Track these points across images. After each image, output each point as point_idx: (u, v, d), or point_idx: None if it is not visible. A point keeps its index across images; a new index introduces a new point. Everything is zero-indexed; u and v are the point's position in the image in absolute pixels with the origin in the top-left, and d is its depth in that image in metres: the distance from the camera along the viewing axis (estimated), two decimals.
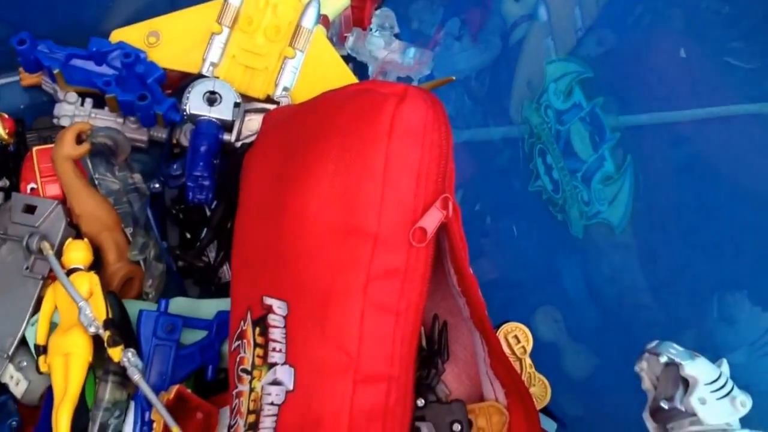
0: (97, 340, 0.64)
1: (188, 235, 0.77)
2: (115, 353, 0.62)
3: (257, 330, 0.58)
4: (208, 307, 0.71)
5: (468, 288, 0.60)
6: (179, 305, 0.71)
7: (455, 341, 0.65)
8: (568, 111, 0.69)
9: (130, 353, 0.62)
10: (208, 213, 0.76)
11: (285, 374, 0.55)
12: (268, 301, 0.57)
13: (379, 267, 0.54)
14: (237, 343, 0.61)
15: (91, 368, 0.64)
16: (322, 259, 0.55)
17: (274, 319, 0.57)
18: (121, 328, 0.64)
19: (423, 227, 0.55)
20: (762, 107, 0.58)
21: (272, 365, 0.56)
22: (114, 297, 0.66)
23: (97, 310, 0.64)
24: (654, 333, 0.57)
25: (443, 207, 0.56)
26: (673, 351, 0.52)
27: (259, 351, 0.58)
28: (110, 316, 0.63)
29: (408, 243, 0.55)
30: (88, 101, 0.78)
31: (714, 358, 0.53)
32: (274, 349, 0.56)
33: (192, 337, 0.69)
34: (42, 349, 0.66)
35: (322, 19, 0.81)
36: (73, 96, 0.78)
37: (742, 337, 0.57)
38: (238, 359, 0.60)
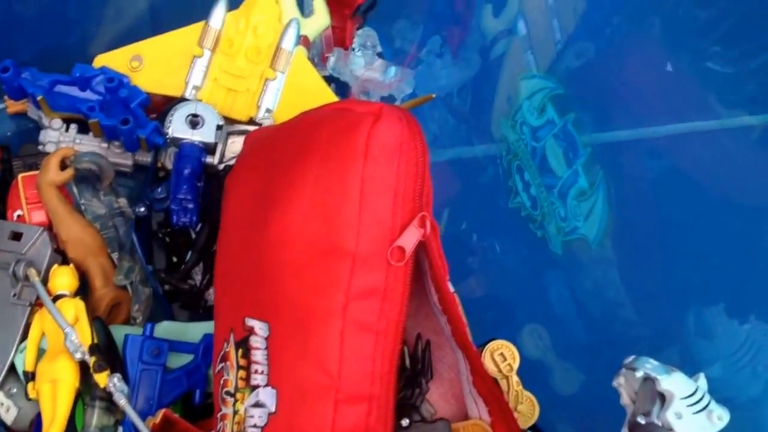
0: (84, 365, 0.64)
1: (174, 259, 0.77)
2: (101, 378, 0.63)
3: (240, 352, 0.58)
4: (195, 331, 0.71)
5: (448, 306, 0.60)
6: (166, 329, 0.71)
7: (439, 360, 0.66)
8: (542, 127, 0.70)
9: (116, 378, 0.63)
10: (194, 236, 0.77)
11: (267, 396, 0.56)
12: (250, 322, 0.58)
13: (358, 286, 0.55)
14: (221, 366, 0.61)
15: (79, 394, 0.65)
16: (302, 279, 0.56)
17: (256, 341, 0.57)
18: (108, 354, 0.64)
19: (401, 246, 0.55)
20: (734, 121, 0.58)
21: (255, 387, 0.56)
22: (100, 322, 0.66)
23: (83, 335, 0.64)
24: (638, 347, 0.57)
25: (421, 225, 0.56)
26: (649, 366, 0.52)
27: (242, 373, 0.58)
28: (96, 341, 0.64)
29: (386, 262, 0.55)
30: (73, 127, 0.79)
31: (692, 372, 0.53)
32: (256, 371, 0.57)
33: (179, 361, 0.69)
34: (30, 376, 0.66)
35: (303, 40, 0.82)
36: (57, 122, 0.78)
37: (720, 351, 0.57)
38: (222, 382, 0.60)
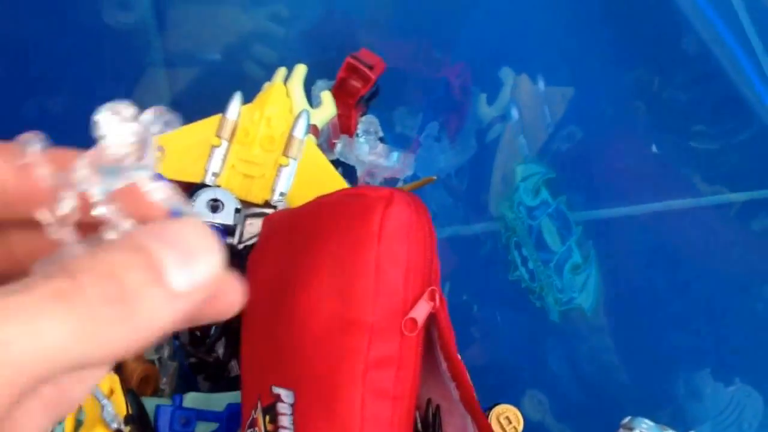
0: None
1: (198, 333, 0.82)
2: None
3: (267, 417, 0.63)
4: (218, 401, 0.76)
5: (457, 373, 0.65)
6: (192, 400, 0.76)
7: (448, 424, 0.70)
8: (537, 207, 0.76)
9: None
10: None
11: None
12: (276, 390, 0.62)
13: (375, 356, 0.60)
14: (250, 431, 0.65)
15: None
16: (323, 350, 0.61)
17: (283, 407, 0.62)
18: (141, 423, 0.69)
19: (413, 318, 0.61)
20: (716, 198, 0.64)
21: None
22: (133, 395, 0.71)
23: (118, 407, 0.69)
24: (632, 409, 0.62)
25: (431, 299, 0.62)
26: (645, 426, 0.57)
27: None
28: (130, 412, 0.69)
29: (400, 332, 0.61)
30: None
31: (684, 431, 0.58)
32: None
33: (205, 429, 0.74)
34: None
35: (312, 129, 0.88)
36: None
37: (708, 411, 0.62)
38: None
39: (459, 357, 0.65)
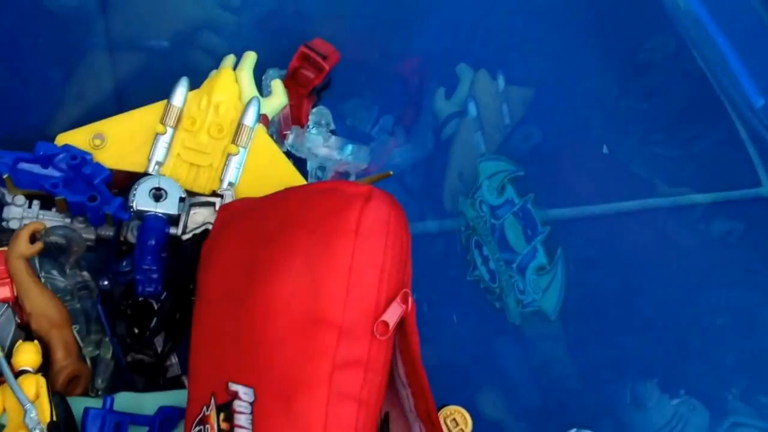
0: None
1: (136, 330, 0.78)
2: None
3: (222, 415, 0.60)
4: (151, 401, 0.72)
5: (418, 380, 0.63)
6: (124, 399, 0.72)
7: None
8: (501, 206, 0.74)
9: None
10: (156, 307, 0.78)
11: None
12: (234, 387, 0.59)
13: (343, 357, 0.58)
14: (198, 429, 0.62)
15: None
16: (289, 347, 0.58)
17: (240, 405, 0.59)
18: (66, 430, 0.65)
19: (385, 321, 0.59)
20: (680, 199, 0.63)
21: None
22: (60, 398, 0.67)
23: (42, 412, 0.65)
24: (579, 416, 0.61)
25: (403, 302, 0.60)
26: None
27: None
28: (54, 419, 0.64)
29: (370, 334, 0.58)
30: (36, 203, 0.80)
31: None
32: None
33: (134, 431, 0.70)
34: None
35: (262, 119, 0.84)
36: (20, 199, 0.79)
37: (652, 423, 0.61)
38: None
39: (422, 365, 0.63)
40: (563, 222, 0.69)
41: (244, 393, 0.59)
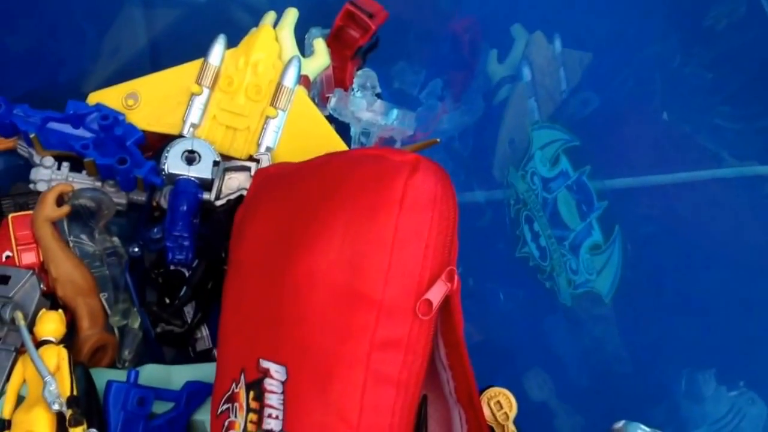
0: (61, 417, 0.61)
1: (167, 300, 0.75)
2: None
3: (251, 394, 0.57)
4: (179, 375, 0.69)
5: (460, 363, 0.59)
6: (150, 372, 0.69)
7: (430, 416, 0.64)
8: (554, 179, 0.69)
9: None
10: (188, 274, 0.75)
11: None
12: (266, 364, 0.56)
13: (382, 336, 0.54)
14: (226, 407, 0.59)
15: None
16: (325, 325, 0.55)
17: (272, 384, 0.56)
18: (87, 404, 0.62)
19: (429, 299, 0.55)
20: (742, 171, 0.57)
21: None
22: (82, 369, 0.64)
23: (63, 386, 0.61)
24: (631, 403, 0.58)
25: (449, 280, 0.56)
26: None
27: (252, 416, 0.56)
28: (75, 393, 0.61)
29: (412, 314, 0.55)
30: (65, 165, 0.77)
31: None
32: (270, 416, 0.55)
33: (161, 408, 0.66)
34: (6, 424, 0.63)
35: (303, 80, 0.80)
36: (49, 160, 0.76)
37: (707, 415, 0.57)
38: (226, 423, 0.58)
39: (465, 347, 0.59)
40: (621, 195, 0.63)
41: (276, 371, 0.56)
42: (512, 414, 0.66)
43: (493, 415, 0.66)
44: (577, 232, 0.66)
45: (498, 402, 0.66)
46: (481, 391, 0.66)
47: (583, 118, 0.70)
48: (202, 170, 0.74)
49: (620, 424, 0.54)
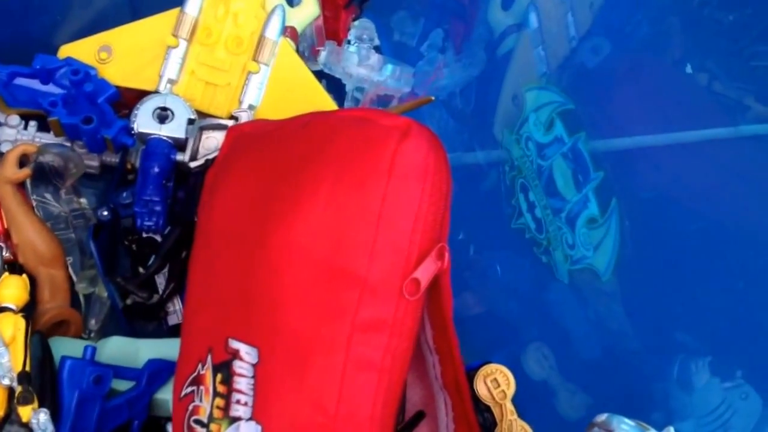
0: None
1: (141, 269, 0.70)
2: (25, 412, 0.55)
3: (219, 377, 0.53)
4: (148, 349, 0.65)
5: (448, 346, 0.55)
6: (115, 345, 0.64)
7: (408, 400, 0.61)
8: (549, 145, 0.62)
9: (42, 414, 0.55)
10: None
11: (250, 431, 0.50)
12: (235, 344, 0.52)
13: (365, 317, 0.50)
14: (190, 389, 0.55)
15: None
16: (303, 303, 0.50)
17: (241, 367, 0.52)
18: (40, 380, 0.57)
19: (417, 278, 0.50)
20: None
21: (235, 419, 0.51)
22: (39, 339, 0.59)
23: (16, 358, 0.57)
24: (626, 386, 0.54)
25: (439, 258, 0.51)
26: (625, 427, 0.49)
27: (219, 401, 0.52)
28: (27, 368, 0.57)
29: (398, 293, 0.50)
30: (32, 124, 0.71)
31: (663, 424, 0.49)
32: (238, 401, 0.51)
33: (121, 386, 0.62)
34: None
35: (290, 32, 0.74)
36: (15, 119, 0.71)
37: (696, 408, 0.52)
38: (190, 408, 0.54)
39: (454, 330, 0.55)
40: (619, 163, 0.57)
41: (247, 353, 0.52)
42: (510, 392, 0.62)
43: (490, 393, 0.62)
44: (573, 203, 0.60)
45: (495, 379, 0.62)
46: (478, 367, 0.62)
47: (593, 67, 0.63)
48: (174, 129, 0.69)
49: (603, 417, 0.49)
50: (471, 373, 0.61)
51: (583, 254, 0.59)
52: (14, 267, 0.66)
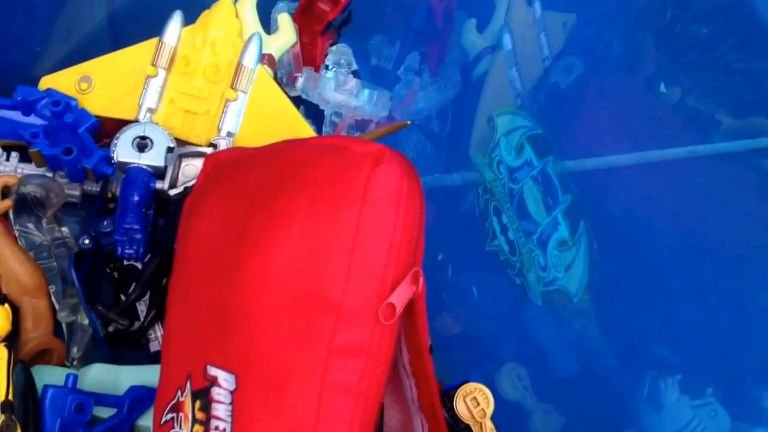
0: None
1: (122, 297, 0.70)
2: None
3: (198, 404, 0.53)
4: (130, 376, 0.65)
5: (423, 371, 0.56)
6: (97, 373, 0.65)
7: (386, 423, 0.61)
8: (519, 168, 0.64)
9: None
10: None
11: None
12: (213, 371, 0.52)
13: (341, 343, 0.50)
14: (170, 416, 0.55)
15: None
16: (280, 329, 0.51)
17: (219, 394, 0.52)
18: (24, 409, 0.58)
19: (392, 303, 0.51)
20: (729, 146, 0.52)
21: None
22: (21, 368, 0.60)
23: None
24: (597, 405, 0.55)
25: (414, 282, 0.52)
26: None
27: (198, 428, 0.52)
28: (10, 398, 0.57)
29: (374, 318, 0.51)
30: (14, 155, 0.72)
31: None
32: (217, 428, 0.51)
33: (103, 413, 0.63)
34: None
35: (267, 59, 0.75)
36: None
37: (665, 426, 0.52)
38: None
39: (429, 353, 0.56)
40: (587, 186, 0.58)
41: (225, 379, 0.52)
42: (489, 410, 0.63)
43: (470, 411, 0.62)
44: (544, 226, 0.61)
45: (474, 398, 0.63)
46: (457, 386, 0.63)
47: (566, 87, 0.65)
48: (153, 157, 0.70)
49: None
50: (451, 393, 0.62)
51: (555, 276, 0.60)
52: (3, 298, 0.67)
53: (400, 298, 0.51)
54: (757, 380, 0.49)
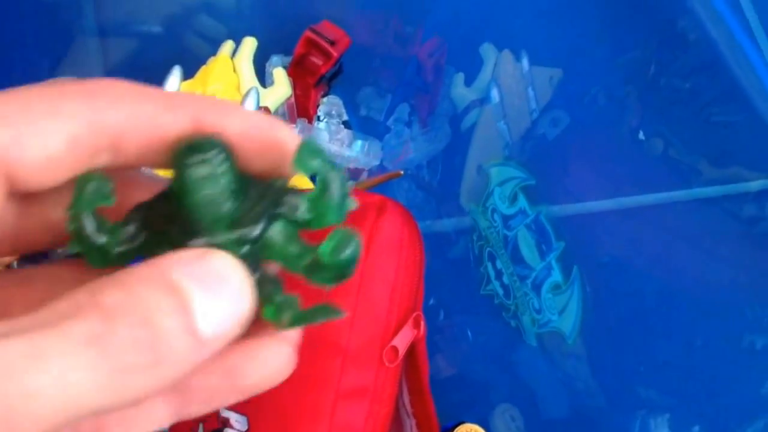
0: None
1: None
2: None
3: None
4: None
5: (425, 411, 0.58)
6: None
7: None
8: (514, 217, 0.66)
9: None
10: None
11: None
12: (226, 413, 0.54)
13: (348, 385, 0.52)
14: None
15: None
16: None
17: None
18: None
19: (395, 346, 0.53)
20: (709, 191, 0.54)
21: None
22: None
23: None
24: None
25: (415, 326, 0.54)
26: None
27: None
28: None
29: (378, 361, 0.53)
30: None
31: None
32: None
33: None
34: None
35: (264, 111, 0.77)
36: None
37: None
38: None
39: (430, 395, 0.58)
40: (579, 233, 0.61)
41: (237, 421, 0.54)
42: None
43: None
44: (538, 271, 0.64)
45: None
46: (453, 427, 0.64)
47: (553, 139, 0.67)
48: None
49: None
50: None
51: (549, 318, 0.62)
52: None
53: (402, 341, 0.53)
54: (741, 419, 0.51)
